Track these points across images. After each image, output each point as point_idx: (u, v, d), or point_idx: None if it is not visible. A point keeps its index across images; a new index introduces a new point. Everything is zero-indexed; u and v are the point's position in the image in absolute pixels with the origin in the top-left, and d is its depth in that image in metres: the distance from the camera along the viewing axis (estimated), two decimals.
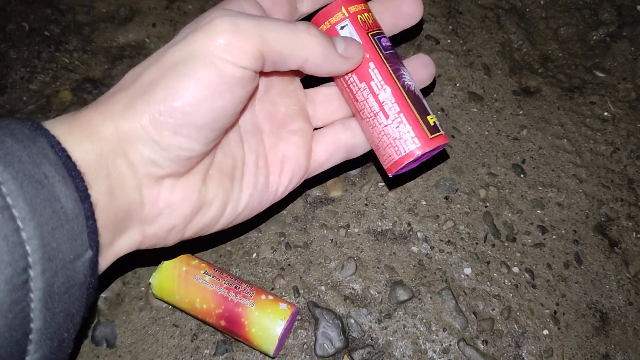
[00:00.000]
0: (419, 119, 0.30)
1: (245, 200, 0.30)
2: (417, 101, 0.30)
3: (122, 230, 0.25)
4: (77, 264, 0.21)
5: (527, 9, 0.50)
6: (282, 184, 0.31)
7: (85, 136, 0.23)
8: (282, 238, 0.40)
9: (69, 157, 0.22)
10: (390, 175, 0.31)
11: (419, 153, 0.29)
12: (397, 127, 0.30)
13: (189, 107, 0.24)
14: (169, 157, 0.25)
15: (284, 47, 0.25)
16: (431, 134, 0.30)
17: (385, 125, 0.30)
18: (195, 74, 0.24)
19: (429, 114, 0.30)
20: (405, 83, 0.30)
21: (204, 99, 0.24)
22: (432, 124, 0.30)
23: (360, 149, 0.33)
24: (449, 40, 0.48)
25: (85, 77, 0.45)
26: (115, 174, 0.24)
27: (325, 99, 0.33)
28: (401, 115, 0.29)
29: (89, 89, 0.44)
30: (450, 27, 0.49)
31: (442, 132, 0.30)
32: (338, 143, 0.32)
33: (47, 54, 0.46)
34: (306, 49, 0.26)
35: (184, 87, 0.24)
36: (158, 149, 0.24)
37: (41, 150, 0.21)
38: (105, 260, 0.26)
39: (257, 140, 0.30)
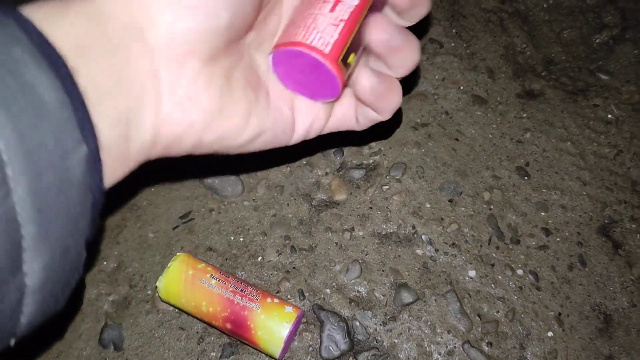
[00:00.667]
0: (345, 44, 0.27)
1: (270, 123, 0.28)
2: (357, 39, 0.28)
3: (134, 124, 0.22)
4: (69, 162, 0.19)
5: (531, 12, 0.50)
6: (303, 123, 0.31)
7: (73, 15, 0.20)
8: (288, 241, 0.40)
9: (46, 41, 0.19)
10: (273, 51, 0.28)
11: (320, 59, 0.27)
12: (329, 25, 0.27)
13: None
14: (190, 25, 0.22)
15: None
16: (343, 65, 0.28)
17: (321, 15, 0.27)
18: None
19: (353, 52, 0.28)
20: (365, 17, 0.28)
21: None
22: (348, 61, 0.28)
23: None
24: (452, 44, 0.48)
25: None
26: (123, 55, 0.21)
27: None
28: (341, 23, 0.27)
29: None
30: (454, 30, 0.49)
31: (346, 74, 0.29)
32: (352, 106, 0.31)
33: None
34: None
35: None
36: (181, 13, 0.22)
37: (11, 34, 0.18)
38: (119, 163, 0.22)
39: None
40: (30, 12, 0.19)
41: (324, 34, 0.27)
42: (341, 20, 0.27)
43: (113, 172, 0.22)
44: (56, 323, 0.37)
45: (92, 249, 0.39)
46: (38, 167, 0.18)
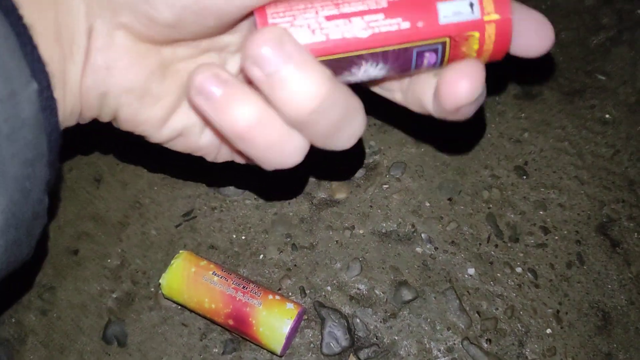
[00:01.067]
0: None
1: (196, 131, 0.25)
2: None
3: (68, 81, 0.21)
4: (18, 100, 0.17)
5: None
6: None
7: None
8: (289, 239, 0.40)
9: None
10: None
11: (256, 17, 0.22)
12: (309, 30, 0.22)
13: None
14: (132, 2, 0.21)
15: None
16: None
17: (314, 11, 0.22)
18: None
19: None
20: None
21: None
22: None
23: None
24: None
25: None
26: (64, 4, 0.20)
27: None
28: (322, 37, 0.22)
29: None
30: None
31: None
32: None
33: None
34: None
35: None
36: None
37: None
38: (66, 109, 0.21)
39: None
40: None
41: (292, 30, 0.21)
42: (326, 35, 0.21)
43: (64, 117, 0.21)
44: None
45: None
46: None
